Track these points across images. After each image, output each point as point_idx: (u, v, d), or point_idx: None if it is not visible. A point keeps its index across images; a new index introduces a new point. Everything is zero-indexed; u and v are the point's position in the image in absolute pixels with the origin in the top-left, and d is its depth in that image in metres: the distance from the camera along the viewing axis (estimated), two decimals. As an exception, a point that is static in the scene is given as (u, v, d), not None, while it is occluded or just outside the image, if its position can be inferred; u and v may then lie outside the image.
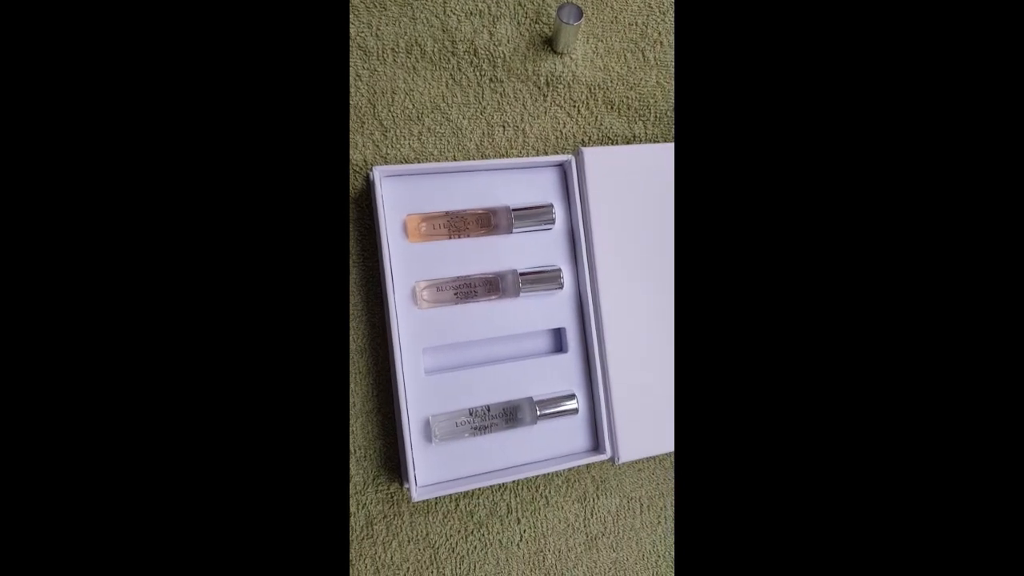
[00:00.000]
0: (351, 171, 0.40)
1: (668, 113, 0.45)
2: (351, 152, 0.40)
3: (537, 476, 0.41)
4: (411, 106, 0.41)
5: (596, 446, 0.40)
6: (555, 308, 0.40)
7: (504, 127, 0.42)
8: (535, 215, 0.39)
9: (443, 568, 0.40)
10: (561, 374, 0.40)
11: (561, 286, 0.40)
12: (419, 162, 0.41)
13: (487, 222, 0.39)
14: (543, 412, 0.39)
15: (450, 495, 0.40)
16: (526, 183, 0.40)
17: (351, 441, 0.39)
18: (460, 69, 0.42)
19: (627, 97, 0.45)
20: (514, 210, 0.39)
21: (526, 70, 0.43)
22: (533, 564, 0.41)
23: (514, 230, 0.39)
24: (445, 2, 0.42)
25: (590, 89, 0.44)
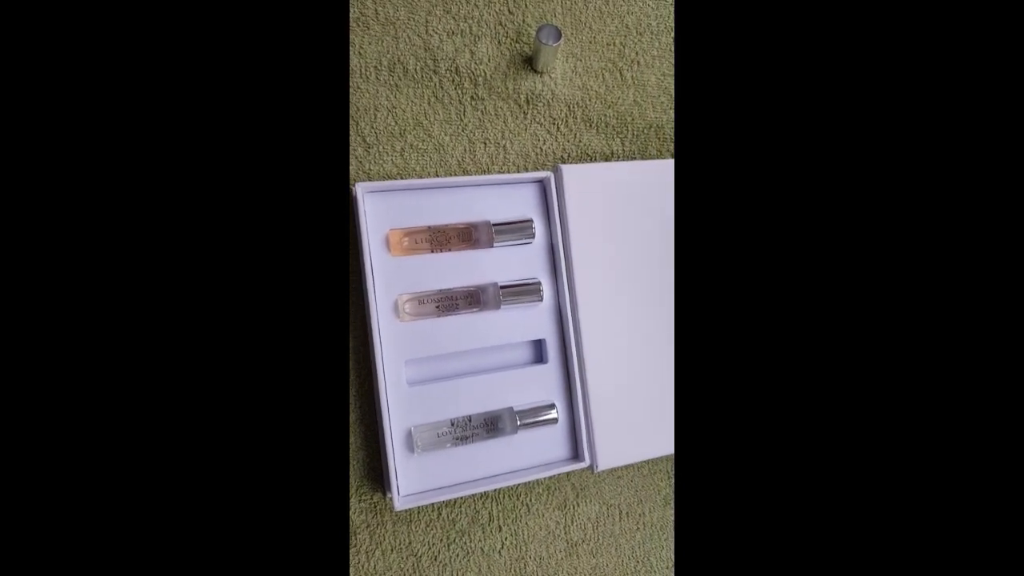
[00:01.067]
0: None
1: (644, 131, 0.47)
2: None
3: (518, 484, 0.42)
4: (394, 123, 0.42)
5: (576, 455, 0.41)
6: (535, 320, 0.41)
7: (485, 144, 0.44)
8: (515, 230, 0.41)
9: (426, 576, 0.41)
10: (541, 384, 0.41)
11: (541, 298, 0.41)
12: (402, 178, 0.42)
13: (468, 236, 0.40)
14: (524, 422, 0.40)
15: (432, 504, 0.41)
16: (506, 198, 0.41)
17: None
18: (442, 87, 0.43)
19: (605, 115, 0.46)
20: (495, 225, 0.40)
21: (507, 88, 0.44)
22: (515, 571, 0.42)
23: (495, 244, 0.40)
24: (427, 22, 0.43)
25: (569, 107, 0.45)
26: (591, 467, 0.41)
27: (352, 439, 0.40)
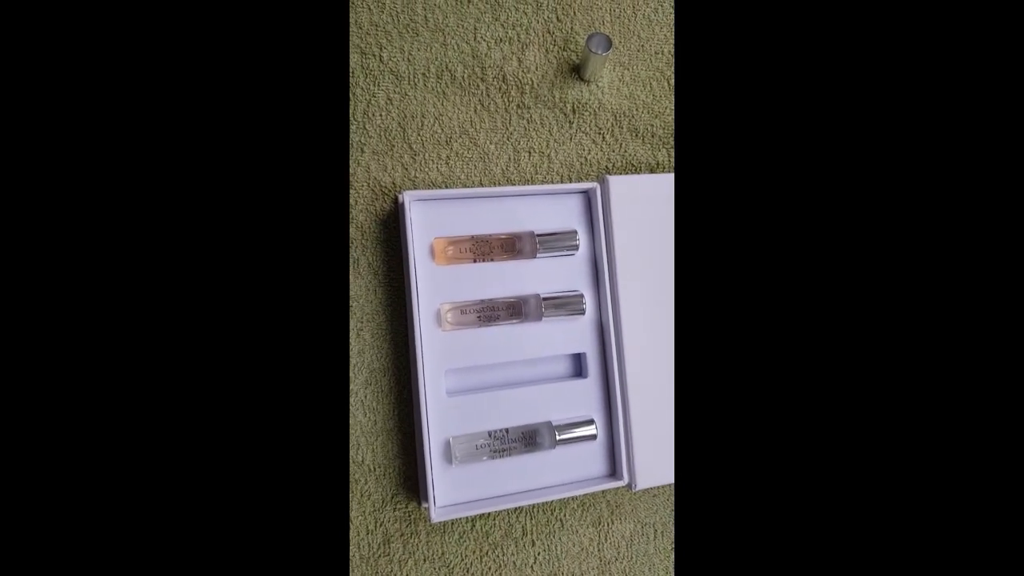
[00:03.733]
0: (380, 194, 0.41)
1: (692, 142, 0.46)
2: (381, 175, 0.41)
3: (553, 499, 0.42)
4: (440, 130, 0.42)
5: (613, 472, 0.40)
6: (576, 333, 0.40)
7: (530, 153, 0.43)
8: (559, 241, 0.40)
9: (458, 588, 0.40)
10: (580, 399, 0.40)
11: (583, 311, 0.40)
12: (446, 186, 0.41)
13: (512, 247, 0.40)
14: (562, 437, 0.39)
15: (466, 515, 0.40)
16: (551, 209, 0.41)
17: (371, 459, 0.40)
18: (489, 95, 0.43)
19: (652, 125, 0.45)
20: (538, 235, 0.40)
21: (553, 97, 0.44)
22: (547, 587, 0.42)
23: (538, 255, 0.40)
24: (476, 29, 0.43)
25: (615, 116, 0.45)
26: (629, 485, 0.40)
27: (389, 447, 0.40)
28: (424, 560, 0.40)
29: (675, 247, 0.41)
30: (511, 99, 0.43)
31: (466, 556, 0.41)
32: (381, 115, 0.41)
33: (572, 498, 0.42)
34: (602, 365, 0.41)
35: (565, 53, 0.44)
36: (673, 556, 0.44)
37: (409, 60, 0.42)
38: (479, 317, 0.39)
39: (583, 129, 0.44)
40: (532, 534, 0.42)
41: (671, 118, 0.45)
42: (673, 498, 0.44)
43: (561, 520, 0.42)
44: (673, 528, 0.44)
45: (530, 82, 0.43)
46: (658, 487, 0.44)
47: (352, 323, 0.40)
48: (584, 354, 0.41)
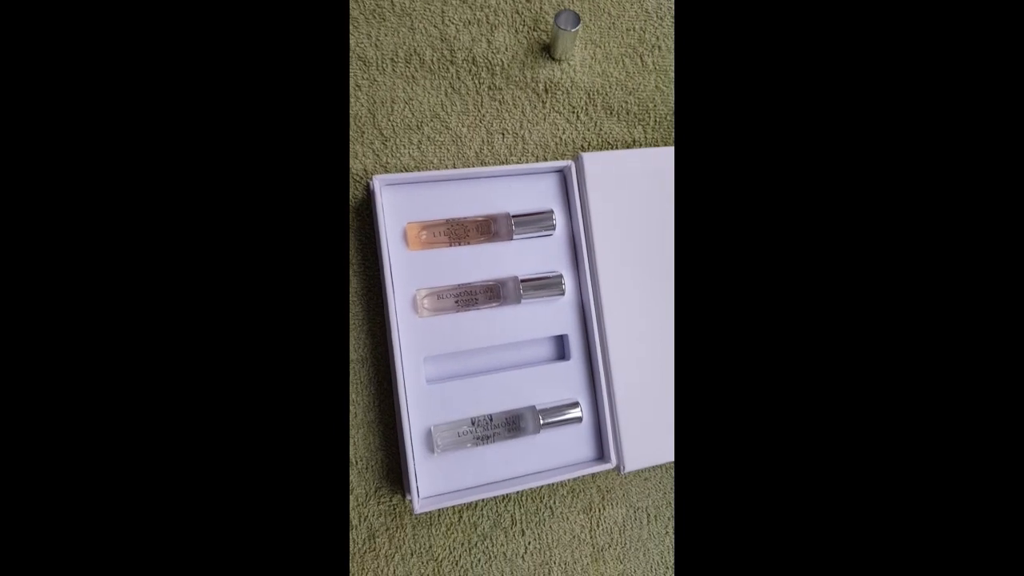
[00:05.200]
0: (351, 181, 0.40)
1: (667, 117, 0.45)
2: (351, 162, 0.40)
3: (542, 486, 0.41)
4: (411, 115, 0.41)
5: (601, 455, 0.40)
6: (557, 315, 0.40)
7: (503, 134, 0.42)
8: (535, 221, 0.39)
9: (447, 582, 0.39)
10: (564, 382, 0.39)
11: (563, 292, 0.39)
12: (419, 170, 0.41)
13: (487, 229, 0.39)
14: (546, 421, 0.38)
15: (453, 507, 0.39)
16: (526, 189, 0.40)
17: (352, 452, 0.39)
18: (459, 77, 0.42)
19: (626, 102, 0.44)
20: (514, 216, 0.39)
21: (525, 77, 0.43)
22: (539, 577, 0.41)
23: (514, 237, 0.39)
24: (443, 12, 0.42)
25: (589, 95, 0.44)
26: (617, 468, 0.39)
27: (370, 439, 0.39)
28: (411, 554, 0.39)
29: (675, 229, 0.40)
30: (482, 81, 0.42)
31: (454, 548, 0.40)
32: (350, 101, 0.40)
33: (562, 485, 0.41)
34: (585, 346, 0.40)
35: (535, 33, 0.43)
36: (667, 540, 0.43)
37: (376, 45, 0.41)
38: (457, 302, 0.38)
39: (557, 109, 0.43)
40: (522, 523, 0.41)
41: (645, 94, 0.45)
42: (665, 482, 0.43)
43: (551, 508, 0.41)
44: (667, 512, 0.43)
45: (500, 63, 0.43)
46: (649, 470, 0.43)
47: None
48: (566, 336, 0.40)
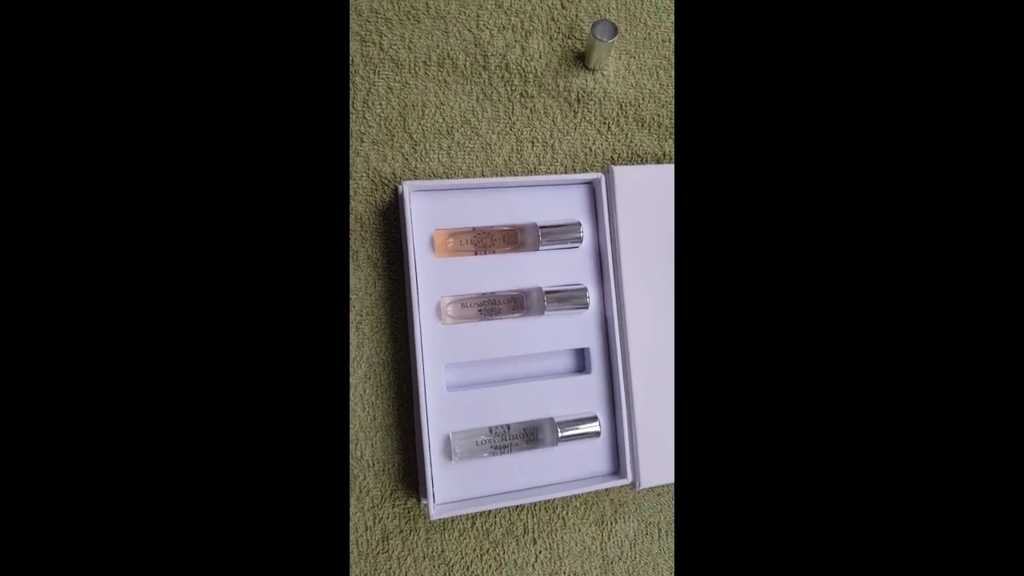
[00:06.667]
0: (380, 184, 0.40)
1: (700, 132, 0.45)
2: (381, 165, 0.40)
3: (555, 498, 0.41)
4: (441, 120, 0.41)
5: (617, 470, 0.40)
6: (580, 328, 0.40)
7: (533, 143, 0.42)
8: (562, 233, 0.39)
9: (457, 587, 0.40)
10: (583, 395, 0.39)
11: (587, 306, 0.39)
12: (447, 176, 0.41)
13: (514, 239, 0.39)
14: (564, 433, 0.38)
15: (467, 513, 0.40)
16: (554, 200, 0.40)
17: (370, 454, 0.39)
18: (491, 83, 0.42)
19: (658, 114, 0.44)
20: (541, 227, 0.39)
21: (557, 86, 0.43)
22: (548, 586, 0.41)
23: (541, 247, 0.39)
24: (478, 16, 0.42)
25: (621, 106, 0.44)
26: (633, 484, 0.39)
27: (388, 443, 0.39)
28: (424, 557, 0.39)
29: (675, 242, 0.40)
30: (514, 88, 0.42)
31: (466, 554, 0.40)
32: (381, 104, 0.40)
33: (575, 496, 0.41)
34: (606, 361, 0.40)
35: (569, 41, 0.43)
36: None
37: (410, 48, 0.41)
38: (480, 311, 0.38)
39: (588, 119, 0.43)
40: (534, 532, 0.41)
41: (678, 108, 0.44)
42: (678, 497, 0.43)
43: (563, 518, 0.41)
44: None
45: (533, 70, 0.42)
46: (662, 486, 0.43)
47: (351, 316, 0.39)
48: (587, 349, 0.40)
